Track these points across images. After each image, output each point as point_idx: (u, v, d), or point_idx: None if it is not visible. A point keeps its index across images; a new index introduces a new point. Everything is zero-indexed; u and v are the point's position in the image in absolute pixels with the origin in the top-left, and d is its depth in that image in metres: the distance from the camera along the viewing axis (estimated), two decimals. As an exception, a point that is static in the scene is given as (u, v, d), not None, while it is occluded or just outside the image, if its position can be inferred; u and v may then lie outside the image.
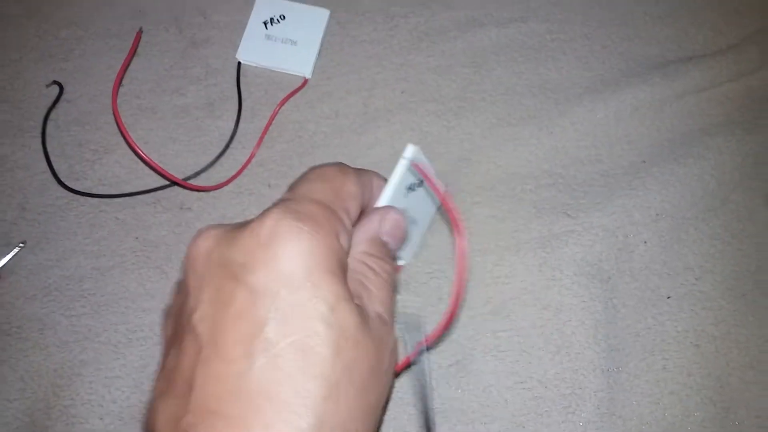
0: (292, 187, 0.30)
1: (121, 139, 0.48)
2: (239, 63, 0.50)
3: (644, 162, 0.46)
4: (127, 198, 0.46)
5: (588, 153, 0.47)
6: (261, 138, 0.48)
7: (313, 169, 0.32)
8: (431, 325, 0.42)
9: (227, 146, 0.48)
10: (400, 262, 0.43)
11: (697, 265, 0.44)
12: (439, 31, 0.51)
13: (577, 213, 0.45)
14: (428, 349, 0.31)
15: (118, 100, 0.49)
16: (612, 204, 0.45)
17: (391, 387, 0.30)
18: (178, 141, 0.48)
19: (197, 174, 0.47)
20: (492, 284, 0.43)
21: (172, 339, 0.28)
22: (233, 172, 0.47)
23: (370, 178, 0.34)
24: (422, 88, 0.49)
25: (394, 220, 0.30)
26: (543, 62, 0.49)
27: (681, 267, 0.44)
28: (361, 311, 0.27)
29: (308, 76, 0.49)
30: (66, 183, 0.47)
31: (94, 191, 0.46)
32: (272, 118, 0.48)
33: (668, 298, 0.43)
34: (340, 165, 0.32)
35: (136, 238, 0.45)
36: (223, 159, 0.47)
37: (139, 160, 0.47)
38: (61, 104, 0.49)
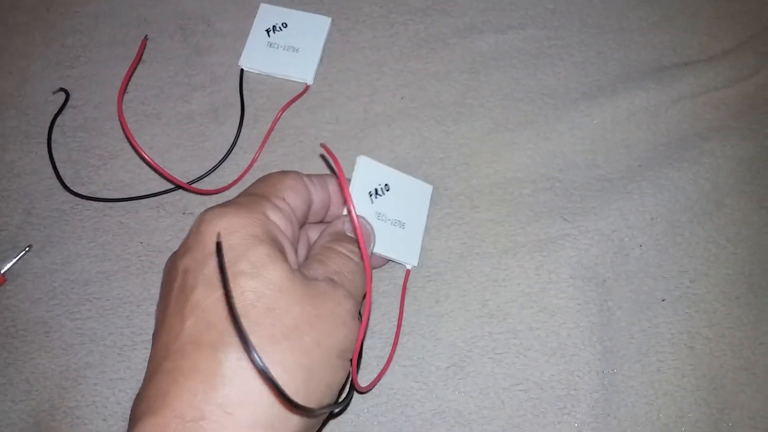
0: None
1: (126, 144, 0.49)
2: (242, 70, 0.50)
3: (640, 166, 0.47)
4: (131, 202, 0.47)
5: (585, 157, 0.47)
6: (263, 143, 0.48)
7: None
8: (431, 325, 0.43)
9: (230, 151, 0.48)
10: (407, 267, 0.43)
11: (692, 268, 0.44)
12: (439, 37, 0.51)
13: (574, 217, 0.45)
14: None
15: (124, 107, 0.49)
16: (608, 208, 0.45)
17: (349, 341, 0.33)
18: (182, 146, 0.49)
19: (200, 178, 0.48)
20: (489, 287, 0.44)
21: None
22: (235, 177, 0.47)
23: (323, 179, 0.38)
24: (422, 94, 0.49)
25: (356, 219, 0.33)
26: (541, 68, 0.50)
27: (676, 270, 0.44)
28: (292, 269, 0.31)
29: (310, 82, 0.50)
30: (71, 188, 0.47)
31: (99, 196, 0.47)
32: (274, 123, 0.49)
33: (663, 300, 0.43)
34: (290, 171, 0.37)
35: (141, 242, 0.46)
36: (225, 164, 0.48)
37: (143, 165, 0.48)
38: (67, 110, 0.50)
